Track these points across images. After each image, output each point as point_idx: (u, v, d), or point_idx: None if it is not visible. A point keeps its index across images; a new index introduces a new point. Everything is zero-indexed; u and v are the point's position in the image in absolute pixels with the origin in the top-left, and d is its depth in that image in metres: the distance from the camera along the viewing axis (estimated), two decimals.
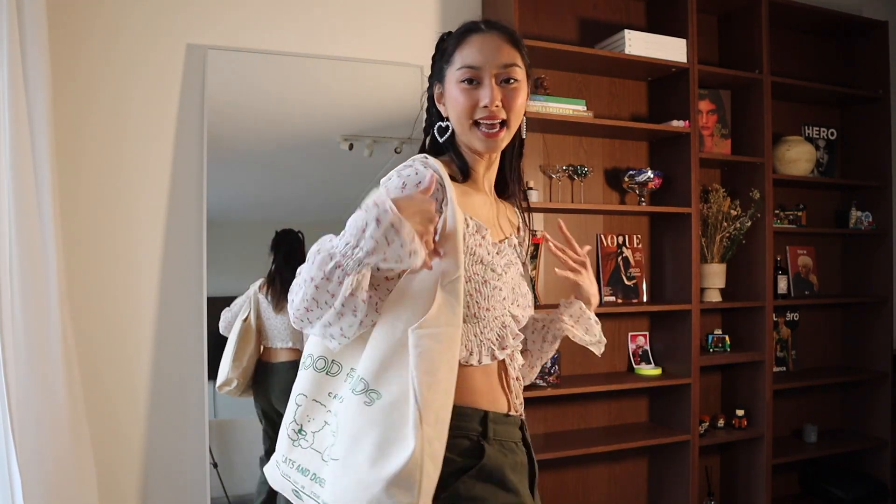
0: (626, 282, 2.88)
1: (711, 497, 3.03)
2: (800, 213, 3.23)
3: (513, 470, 1.10)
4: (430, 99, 1.24)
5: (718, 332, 3.01)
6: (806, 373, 3.28)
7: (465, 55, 1.13)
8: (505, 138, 1.15)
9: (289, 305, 1.00)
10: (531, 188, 2.63)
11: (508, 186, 1.26)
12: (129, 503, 2.25)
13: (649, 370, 2.85)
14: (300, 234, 2.42)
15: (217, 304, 2.31)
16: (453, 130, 1.17)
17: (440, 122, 1.19)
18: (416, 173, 1.05)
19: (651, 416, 3.00)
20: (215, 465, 2.28)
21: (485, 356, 1.12)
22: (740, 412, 2.95)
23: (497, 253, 1.15)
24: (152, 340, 2.28)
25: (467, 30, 1.16)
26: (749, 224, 2.91)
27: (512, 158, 1.25)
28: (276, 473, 1.09)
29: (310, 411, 1.06)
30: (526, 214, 1.27)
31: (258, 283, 2.38)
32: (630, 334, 2.94)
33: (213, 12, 2.35)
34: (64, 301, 1.92)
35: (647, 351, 2.93)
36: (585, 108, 2.66)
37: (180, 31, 2.31)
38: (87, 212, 2.20)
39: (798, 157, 3.10)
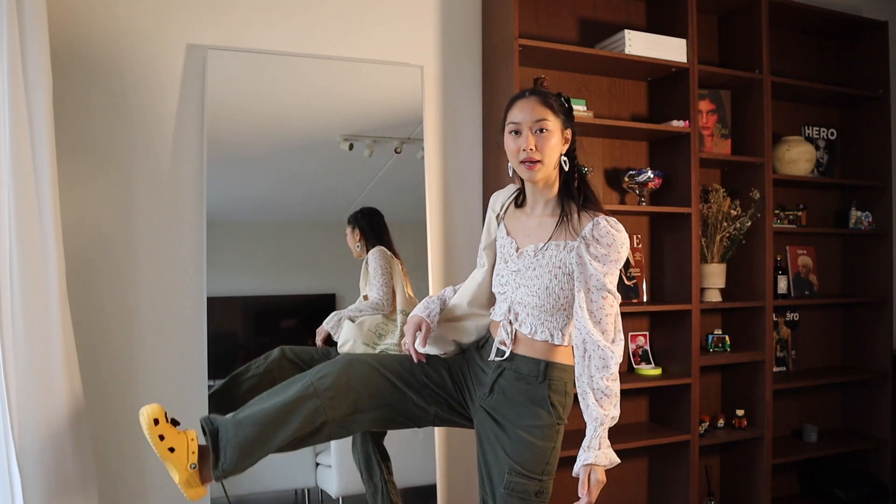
0: (626, 282, 2.88)
1: (711, 497, 3.03)
2: (800, 213, 3.23)
3: (458, 363, 1.74)
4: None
5: (718, 332, 3.01)
6: (806, 373, 3.28)
7: (512, 115, 1.61)
8: (541, 170, 1.59)
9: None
10: None
11: (572, 205, 1.64)
12: (129, 503, 2.25)
13: (649, 370, 2.85)
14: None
15: (217, 305, 2.31)
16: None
17: (509, 164, 1.65)
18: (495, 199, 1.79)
19: (651, 416, 3.00)
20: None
21: (497, 315, 1.68)
22: (740, 412, 2.95)
23: (518, 256, 1.65)
24: (152, 340, 2.28)
25: (516, 97, 1.64)
26: (749, 224, 2.91)
27: (569, 185, 1.65)
28: None
29: None
30: (567, 222, 1.62)
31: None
32: (630, 334, 2.94)
33: (212, 12, 2.36)
34: (64, 301, 1.92)
35: (647, 351, 2.93)
36: (585, 108, 2.66)
37: (180, 31, 2.31)
38: (87, 211, 2.20)
39: (798, 157, 3.10)
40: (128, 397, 2.25)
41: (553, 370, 1.61)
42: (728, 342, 2.97)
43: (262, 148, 2.40)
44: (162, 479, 2.28)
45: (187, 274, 2.31)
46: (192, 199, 2.32)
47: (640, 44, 2.67)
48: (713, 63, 3.10)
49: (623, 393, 2.87)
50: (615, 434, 2.76)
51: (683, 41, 2.75)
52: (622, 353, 1.60)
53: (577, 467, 1.53)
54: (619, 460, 1.54)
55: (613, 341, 1.55)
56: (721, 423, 2.96)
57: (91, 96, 2.21)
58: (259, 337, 2.48)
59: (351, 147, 2.48)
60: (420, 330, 1.70)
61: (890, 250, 3.28)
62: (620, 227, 1.59)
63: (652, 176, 2.76)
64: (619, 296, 1.58)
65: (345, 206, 2.49)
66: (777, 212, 3.15)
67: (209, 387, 2.29)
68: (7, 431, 1.76)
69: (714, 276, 2.93)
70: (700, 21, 2.97)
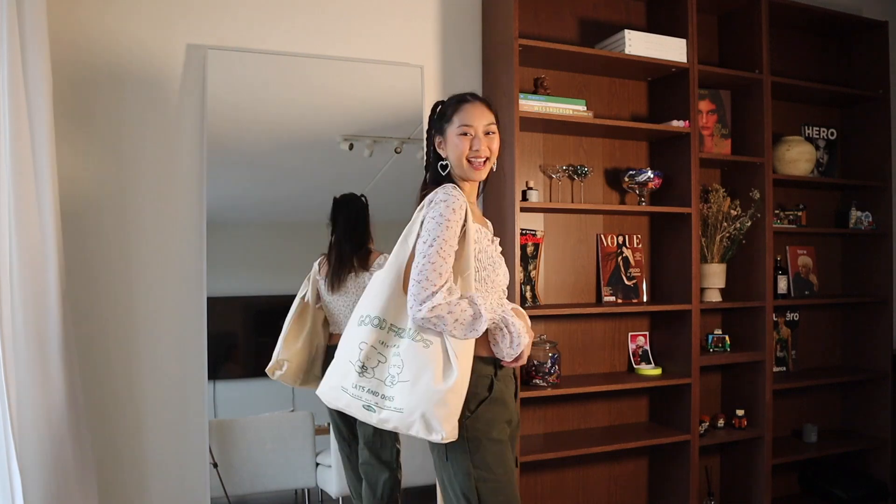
0: (626, 282, 2.88)
1: (711, 497, 3.03)
2: (800, 213, 3.23)
3: (509, 394, 1.72)
4: (431, 146, 1.77)
5: (718, 332, 3.01)
6: (806, 373, 3.28)
7: (463, 118, 1.69)
8: (487, 169, 1.72)
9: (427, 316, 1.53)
10: (531, 188, 2.64)
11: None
12: (129, 503, 2.25)
13: (649, 370, 2.85)
14: (363, 198, 2.37)
15: (217, 304, 2.31)
16: (450, 167, 1.72)
17: (441, 162, 1.73)
18: (456, 199, 1.60)
19: (651, 416, 3.00)
20: (215, 465, 2.28)
21: (499, 311, 1.64)
22: (740, 412, 2.95)
23: (494, 245, 1.71)
24: (152, 340, 2.28)
25: (461, 100, 1.72)
26: (749, 224, 2.91)
27: (485, 184, 1.83)
28: (343, 396, 1.60)
29: (370, 354, 1.58)
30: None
31: (320, 259, 2.34)
32: (630, 334, 2.94)
33: (213, 12, 2.36)
34: (64, 301, 1.92)
35: (647, 351, 2.93)
36: (585, 108, 2.66)
37: (180, 31, 2.31)
38: (86, 212, 2.21)
39: (798, 157, 3.10)
40: (128, 397, 2.25)
41: None
42: (728, 342, 2.97)
43: (263, 148, 2.40)
44: (162, 478, 2.29)
45: (187, 274, 2.31)
46: (192, 199, 2.33)
47: (640, 44, 2.67)
48: (713, 63, 3.10)
49: (623, 393, 2.93)
50: (615, 434, 2.78)
51: (683, 41, 2.75)
52: None
53: None
54: None
55: None
56: (721, 423, 2.96)
57: (91, 96, 2.21)
58: (259, 337, 2.48)
59: (351, 147, 2.48)
60: None
61: (890, 250, 3.27)
62: None
63: (652, 176, 2.76)
64: None
65: None
66: (777, 212, 3.15)
67: (209, 387, 2.29)
68: (7, 431, 1.77)
69: (714, 276, 2.93)
70: (700, 21, 2.97)
